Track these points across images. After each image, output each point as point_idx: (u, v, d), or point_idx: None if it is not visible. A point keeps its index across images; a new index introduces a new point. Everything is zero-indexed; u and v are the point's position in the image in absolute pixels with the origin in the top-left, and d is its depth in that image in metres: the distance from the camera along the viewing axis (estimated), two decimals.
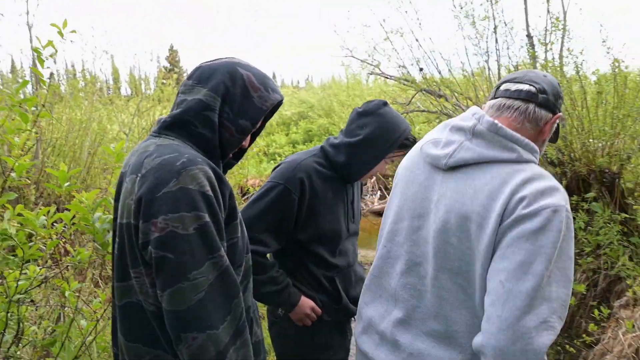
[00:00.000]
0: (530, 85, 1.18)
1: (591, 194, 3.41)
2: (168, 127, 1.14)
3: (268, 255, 1.71)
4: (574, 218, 3.45)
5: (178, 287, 0.97)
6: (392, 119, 1.64)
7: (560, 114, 1.22)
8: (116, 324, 1.16)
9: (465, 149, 1.16)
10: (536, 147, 1.16)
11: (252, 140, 1.34)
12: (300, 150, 14.31)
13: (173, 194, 0.98)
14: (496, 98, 1.22)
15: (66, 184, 1.59)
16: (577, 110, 3.48)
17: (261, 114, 1.18)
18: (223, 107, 1.14)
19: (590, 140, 3.35)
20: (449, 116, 4.55)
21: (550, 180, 1.10)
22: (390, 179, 12.59)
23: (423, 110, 5.52)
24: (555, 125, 1.24)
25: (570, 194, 3.71)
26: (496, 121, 1.14)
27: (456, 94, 4.81)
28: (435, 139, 1.25)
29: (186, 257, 0.97)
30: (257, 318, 1.27)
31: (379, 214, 10.12)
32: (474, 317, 1.13)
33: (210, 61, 1.21)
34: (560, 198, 1.06)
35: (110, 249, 1.39)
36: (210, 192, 1.02)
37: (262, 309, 3.90)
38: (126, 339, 1.10)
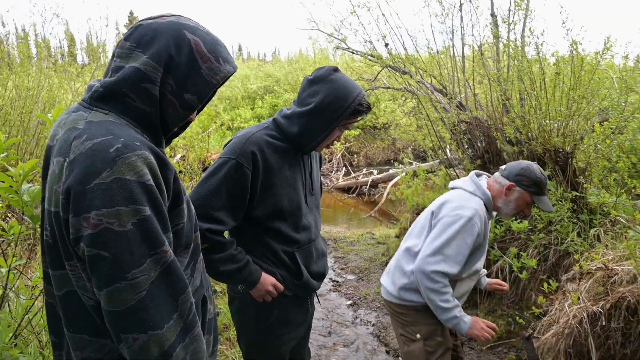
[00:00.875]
0: (503, 167, 2.15)
1: (545, 173, 3.52)
2: (100, 99, 0.99)
3: (225, 232, 1.67)
4: None
5: (115, 287, 0.88)
6: (344, 84, 1.58)
7: (513, 184, 2.05)
8: (52, 312, 1.08)
9: (455, 182, 2.24)
10: (486, 192, 2.09)
11: (199, 111, 1.24)
12: None
13: (107, 185, 0.87)
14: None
15: (3, 155, 1.47)
16: (535, 90, 3.56)
17: (210, 88, 1.06)
18: (166, 78, 1.00)
19: (547, 120, 3.44)
20: (413, 94, 4.57)
21: (471, 203, 2.04)
22: (355, 155, 12.65)
23: (388, 87, 5.51)
24: (515, 193, 2.06)
25: None
26: (475, 176, 2.19)
27: (420, 71, 4.82)
28: None
29: (124, 256, 0.88)
30: (210, 295, 1.23)
31: (344, 190, 10.19)
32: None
33: (152, 19, 1.05)
34: (467, 212, 1.99)
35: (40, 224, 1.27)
36: (151, 182, 0.91)
37: (223, 284, 3.88)
38: (69, 329, 1.01)
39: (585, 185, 3.22)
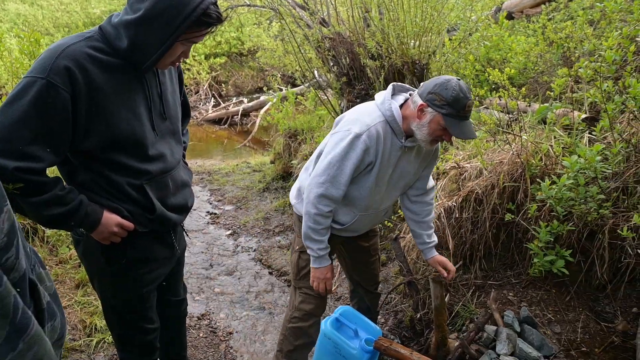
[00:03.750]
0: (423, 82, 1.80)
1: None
2: None
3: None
4: None
5: None
6: None
7: (425, 103, 1.70)
8: None
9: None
10: (391, 110, 1.76)
11: None
12: None
13: None
14: None
15: None
16: (393, 2, 3.60)
17: None
18: None
19: (404, 33, 3.53)
20: (275, 10, 4.33)
21: (368, 118, 1.77)
22: (223, 85, 12.04)
23: (249, 5, 5.16)
24: (428, 114, 1.71)
25: (388, 84, 3.97)
26: (389, 91, 1.83)
27: None
28: None
29: None
30: (39, 273, 0.99)
31: (215, 122, 9.73)
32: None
33: None
34: (357, 127, 1.75)
35: None
36: None
37: None
38: None
39: None
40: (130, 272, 1.55)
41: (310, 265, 2.00)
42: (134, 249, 1.51)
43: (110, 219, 1.40)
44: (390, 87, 1.84)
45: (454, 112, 1.66)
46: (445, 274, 2.13)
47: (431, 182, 2.13)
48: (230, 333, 2.90)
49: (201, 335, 2.85)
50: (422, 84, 1.78)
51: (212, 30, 1.37)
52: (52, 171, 1.85)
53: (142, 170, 1.45)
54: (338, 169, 1.77)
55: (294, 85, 8.63)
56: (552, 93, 2.60)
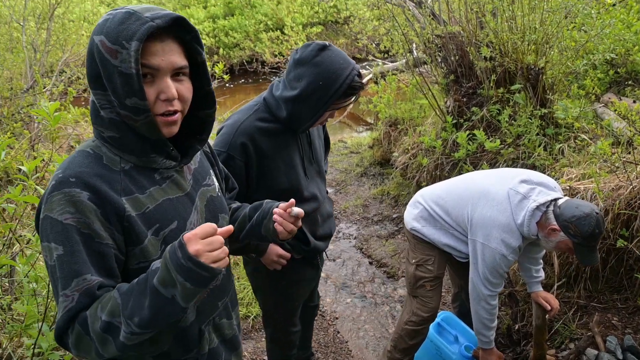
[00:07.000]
0: (561, 201, 1.92)
1: (516, 86, 3.63)
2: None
3: None
4: (499, 111, 3.70)
5: None
6: (330, 67, 1.48)
7: (559, 228, 1.86)
8: None
9: (510, 184, 2.09)
10: (530, 230, 1.94)
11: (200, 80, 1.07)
12: (221, 25, 12.54)
13: (41, 221, 0.96)
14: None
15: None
16: (508, 3, 3.51)
17: (133, 79, 0.91)
18: (106, 97, 0.96)
19: (521, 38, 3.45)
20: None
21: (512, 239, 1.98)
22: None
23: None
24: (558, 236, 1.89)
25: (497, 86, 3.93)
26: (533, 209, 1.93)
27: None
28: None
29: (53, 286, 0.98)
30: (217, 323, 1.24)
31: None
32: None
33: None
34: (505, 249, 1.99)
35: None
36: (69, 221, 0.93)
37: None
38: None
39: (555, 107, 3.37)
40: (286, 290, 1.91)
41: (481, 348, 2.32)
42: (290, 272, 1.85)
43: (274, 249, 1.76)
44: (531, 211, 1.93)
45: (585, 243, 1.84)
46: (549, 308, 2.26)
47: None
48: (337, 318, 3.27)
49: None
50: (562, 204, 1.90)
51: (357, 96, 1.60)
52: None
53: None
54: (494, 276, 2.08)
55: (388, 54, 8.46)
56: None
